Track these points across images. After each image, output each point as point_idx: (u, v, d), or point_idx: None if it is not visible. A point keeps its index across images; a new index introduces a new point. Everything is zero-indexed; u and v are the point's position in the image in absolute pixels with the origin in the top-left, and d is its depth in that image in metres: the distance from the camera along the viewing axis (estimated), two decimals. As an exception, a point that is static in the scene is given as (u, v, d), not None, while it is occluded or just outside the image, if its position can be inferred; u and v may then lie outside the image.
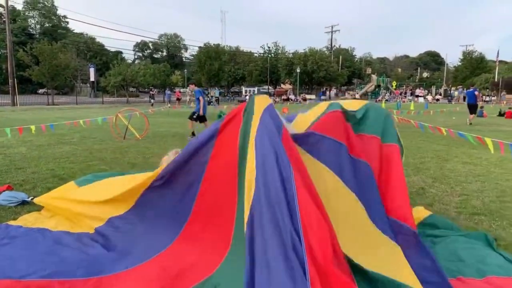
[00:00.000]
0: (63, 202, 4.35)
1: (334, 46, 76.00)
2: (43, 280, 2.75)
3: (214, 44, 54.87)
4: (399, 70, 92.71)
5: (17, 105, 35.35)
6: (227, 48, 72.80)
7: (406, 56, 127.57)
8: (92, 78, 58.77)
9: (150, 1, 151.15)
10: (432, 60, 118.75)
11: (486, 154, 8.82)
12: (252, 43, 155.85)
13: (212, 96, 42.07)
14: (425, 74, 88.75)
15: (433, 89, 66.34)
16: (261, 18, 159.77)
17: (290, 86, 67.38)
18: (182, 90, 48.50)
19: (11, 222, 4.11)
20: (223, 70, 50.19)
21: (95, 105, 39.99)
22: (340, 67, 78.84)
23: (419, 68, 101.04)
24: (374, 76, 61.63)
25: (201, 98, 12.09)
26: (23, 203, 4.91)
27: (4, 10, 40.09)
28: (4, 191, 5.29)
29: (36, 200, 4.74)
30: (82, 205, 4.08)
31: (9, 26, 37.70)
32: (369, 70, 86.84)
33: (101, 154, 8.92)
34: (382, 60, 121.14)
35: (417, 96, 56.37)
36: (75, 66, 52.30)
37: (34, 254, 3.20)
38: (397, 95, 54.89)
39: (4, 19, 44.96)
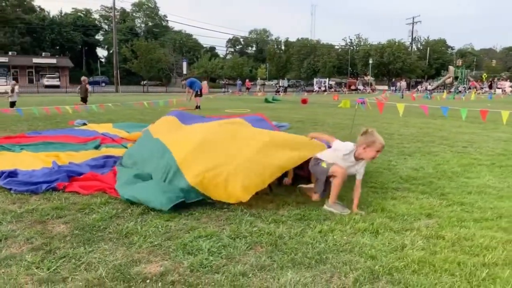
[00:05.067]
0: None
1: (416, 37, 74.77)
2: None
3: (300, 39, 58.69)
4: (493, 62, 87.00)
5: (119, 92, 43.32)
6: (311, 41, 76.28)
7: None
8: (184, 71, 66.89)
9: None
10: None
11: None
12: (341, 35, 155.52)
13: (280, 86, 46.31)
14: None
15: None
16: (352, 11, 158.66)
17: (371, 78, 68.48)
18: (259, 81, 53.33)
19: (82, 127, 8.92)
20: (291, 62, 54.04)
21: (181, 93, 46.65)
22: (428, 59, 77.47)
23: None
24: (451, 68, 60.16)
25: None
26: (84, 124, 9.78)
27: (116, 12, 48.74)
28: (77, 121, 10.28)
29: (88, 124, 9.54)
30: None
31: (115, 27, 45.94)
32: (459, 62, 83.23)
33: (152, 113, 13.81)
34: (485, 52, 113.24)
35: (497, 88, 54.11)
36: (170, 60, 60.17)
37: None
38: (472, 87, 53.38)
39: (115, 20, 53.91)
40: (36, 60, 59.06)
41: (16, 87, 17.46)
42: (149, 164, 4.45)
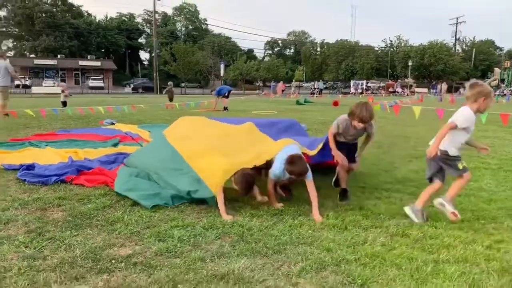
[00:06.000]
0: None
1: (460, 37, 72.11)
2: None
3: (339, 40, 58.09)
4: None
5: (158, 93, 44.73)
6: (349, 42, 75.41)
7: None
8: (221, 73, 67.92)
9: (284, 2, 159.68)
10: None
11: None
12: (381, 36, 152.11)
13: (315, 88, 46.12)
14: None
15: None
16: (393, 11, 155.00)
17: (412, 80, 66.74)
18: (293, 83, 53.32)
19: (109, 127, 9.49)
20: (326, 64, 53.59)
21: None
22: (473, 61, 74.61)
23: None
24: (497, 70, 57.62)
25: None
26: (112, 123, 10.34)
27: (157, 16, 50.35)
28: (105, 120, 10.89)
29: (116, 124, 10.09)
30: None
31: (156, 31, 47.46)
32: (507, 64, 79.47)
33: (180, 114, 14.33)
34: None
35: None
36: (209, 63, 61.20)
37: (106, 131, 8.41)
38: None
39: (157, 24, 55.69)
40: (82, 62, 62.06)
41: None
42: (151, 163, 4.69)
